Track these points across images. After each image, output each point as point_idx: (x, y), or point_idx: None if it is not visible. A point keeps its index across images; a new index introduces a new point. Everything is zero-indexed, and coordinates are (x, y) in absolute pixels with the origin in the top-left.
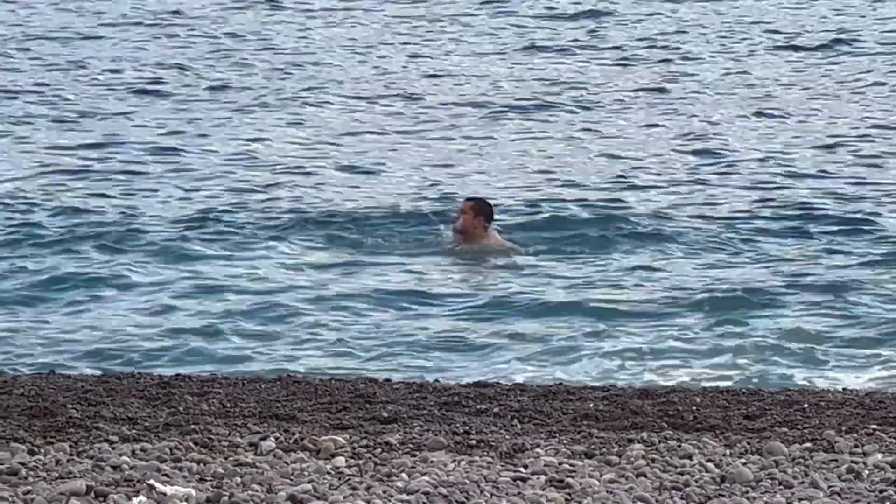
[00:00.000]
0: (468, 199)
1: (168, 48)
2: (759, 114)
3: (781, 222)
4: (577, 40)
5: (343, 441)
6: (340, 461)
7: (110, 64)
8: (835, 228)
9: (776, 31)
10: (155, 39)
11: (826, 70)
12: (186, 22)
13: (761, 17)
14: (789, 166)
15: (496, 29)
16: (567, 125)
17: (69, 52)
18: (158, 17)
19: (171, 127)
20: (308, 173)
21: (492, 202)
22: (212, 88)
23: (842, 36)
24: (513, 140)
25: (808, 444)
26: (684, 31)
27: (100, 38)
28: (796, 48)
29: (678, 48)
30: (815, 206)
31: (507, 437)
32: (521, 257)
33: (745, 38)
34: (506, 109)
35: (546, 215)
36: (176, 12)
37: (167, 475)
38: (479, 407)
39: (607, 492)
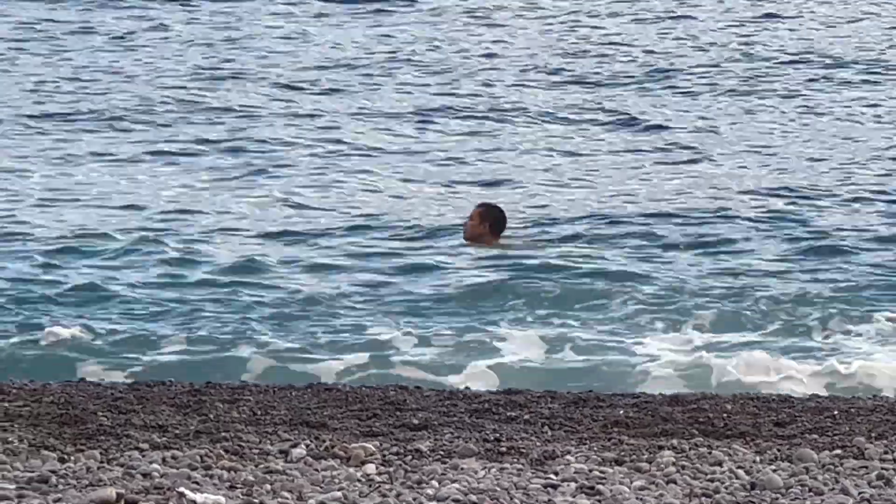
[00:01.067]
0: (479, 205)
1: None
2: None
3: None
4: None
5: (373, 448)
6: (371, 468)
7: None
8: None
9: None
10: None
11: None
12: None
13: None
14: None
15: None
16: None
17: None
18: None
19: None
20: (335, 180)
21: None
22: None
23: None
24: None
25: (839, 451)
26: None
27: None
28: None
29: None
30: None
31: (538, 444)
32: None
33: None
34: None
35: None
36: None
37: (197, 483)
38: (509, 414)
39: (637, 499)
